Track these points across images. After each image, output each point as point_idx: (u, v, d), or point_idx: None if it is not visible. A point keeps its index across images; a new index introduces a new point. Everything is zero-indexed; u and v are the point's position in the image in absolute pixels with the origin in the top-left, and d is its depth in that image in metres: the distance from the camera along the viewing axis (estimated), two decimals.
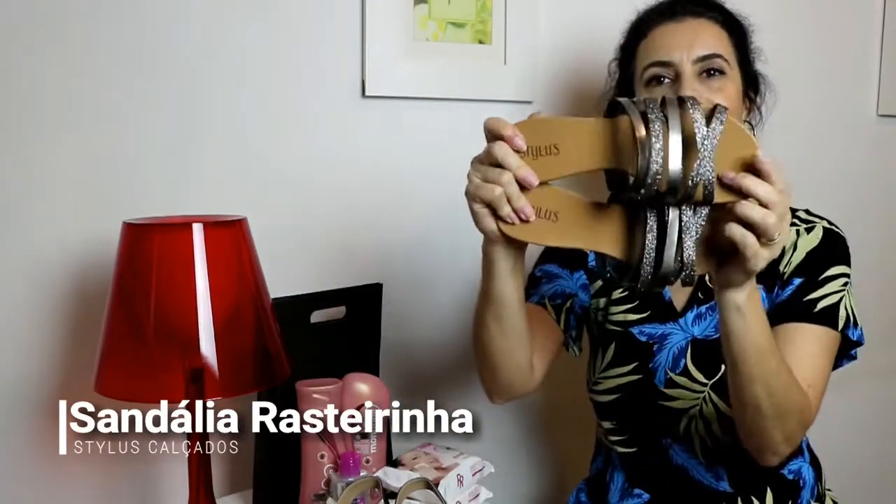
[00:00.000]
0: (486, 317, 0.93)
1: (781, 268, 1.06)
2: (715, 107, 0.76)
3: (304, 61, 1.24)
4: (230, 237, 0.94)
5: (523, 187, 0.79)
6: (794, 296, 1.04)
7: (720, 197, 0.77)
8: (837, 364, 1.06)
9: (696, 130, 0.74)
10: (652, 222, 0.78)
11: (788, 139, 1.60)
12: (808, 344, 1.00)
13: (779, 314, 1.03)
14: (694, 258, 0.77)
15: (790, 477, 1.10)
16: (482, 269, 0.89)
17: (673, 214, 0.77)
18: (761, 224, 0.76)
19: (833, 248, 1.06)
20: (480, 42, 1.35)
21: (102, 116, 1.11)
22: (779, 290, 1.05)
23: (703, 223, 0.78)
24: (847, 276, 1.05)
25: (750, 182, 0.76)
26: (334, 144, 1.28)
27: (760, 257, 0.77)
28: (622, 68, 1.15)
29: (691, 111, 0.75)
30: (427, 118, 1.34)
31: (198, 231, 0.90)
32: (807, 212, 1.11)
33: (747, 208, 0.76)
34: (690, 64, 1.03)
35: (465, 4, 1.33)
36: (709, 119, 0.75)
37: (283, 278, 1.12)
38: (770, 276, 1.06)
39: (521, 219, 0.80)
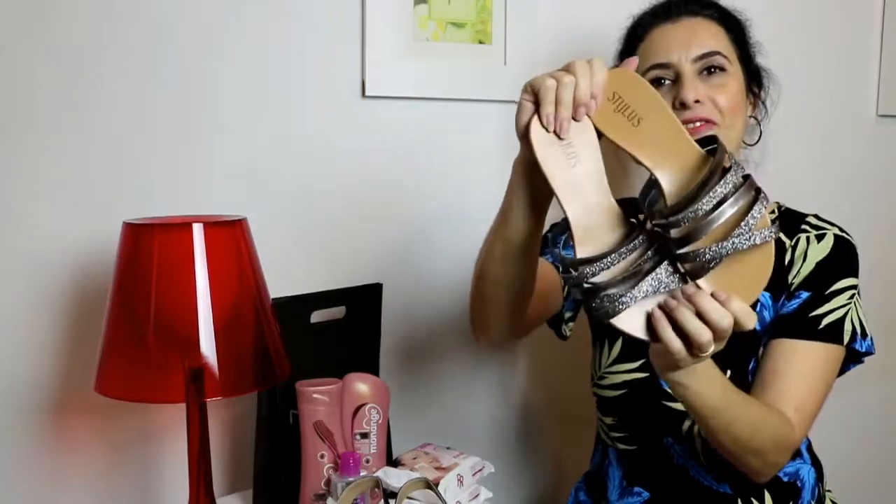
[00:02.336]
0: (495, 238, 0.89)
1: (790, 278, 1.05)
2: (774, 221, 0.75)
3: (304, 61, 1.24)
4: (230, 237, 0.94)
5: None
6: (800, 310, 1.02)
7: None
8: (843, 370, 1.05)
9: (749, 219, 0.72)
10: (638, 247, 0.75)
11: (789, 140, 1.60)
12: (808, 363, 1.00)
13: (782, 327, 1.03)
14: (623, 307, 0.73)
15: (785, 479, 1.10)
16: (508, 184, 0.86)
17: (657, 260, 0.74)
18: (695, 337, 0.73)
19: (843, 259, 1.05)
20: (480, 42, 1.35)
21: (102, 116, 1.11)
22: (785, 300, 1.04)
23: (664, 291, 0.74)
24: (855, 287, 1.04)
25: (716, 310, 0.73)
26: (334, 144, 1.28)
27: (685, 362, 0.76)
28: None
29: (758, 203, 0.73)
30: (427, 118, 1.34)
31: (198, 231, 0.90)
32: (816, 217, 1.10)
33: (687, 318, 0.73)
34: (689, 63, 1.03)
35: (465, 4, 1.33)
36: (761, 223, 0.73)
37: (283, 278, 1.13)
38: (777, 286, 1.04)
39: (555, 129, 0.76)
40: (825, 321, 1.01)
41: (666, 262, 0.74)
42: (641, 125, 0.77)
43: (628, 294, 0.73)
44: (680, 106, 1.02)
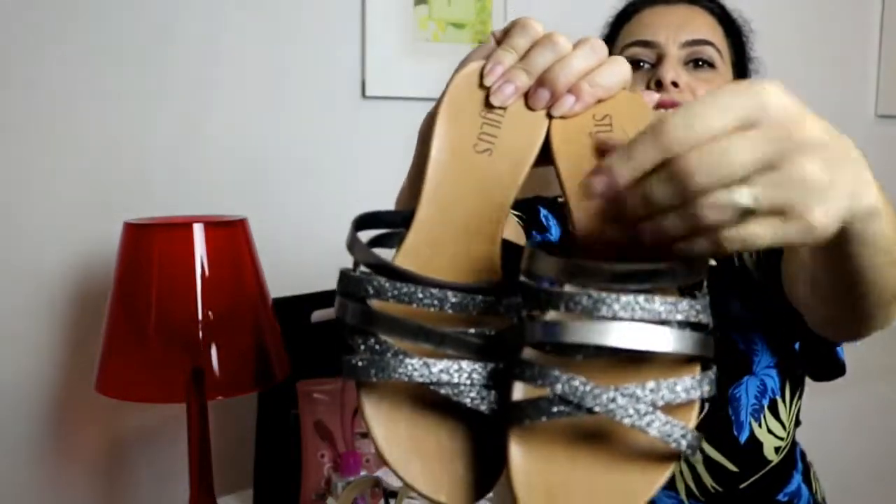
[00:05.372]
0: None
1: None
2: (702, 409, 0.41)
3: (304, 61, 1.24)
4: (230, 237, 0.94)
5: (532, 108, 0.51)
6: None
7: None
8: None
9: (658, 387, 0.38)
10: (476, 306, 0.45)
11: None
12: None
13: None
14: (388, 375, 0.44)
15: (784, 499, 0.97)
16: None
17: (480, 346, 0.44)
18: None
19: None
20: (480, 43, 1.35)
21: (103, 116, 1.11)
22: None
23: (450, 390, 0.43)
24: None
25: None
26: (334, 144, 1.28)
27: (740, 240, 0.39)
28: None
29: (700, 382, 0.40)
30: None
31: (198, 231, 0.90)
32: None
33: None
34: (677, 47, 0.91)
35: (465, 5, 1.33)
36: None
37: (283, 278, 1.13)
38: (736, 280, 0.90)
39: (491, 86, 0.53)
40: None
41: (484, 365, 0.43)
42: (614, 129, 0.51)
43: (409, 363, 0.43)
44: (655, 86, 0.90)
